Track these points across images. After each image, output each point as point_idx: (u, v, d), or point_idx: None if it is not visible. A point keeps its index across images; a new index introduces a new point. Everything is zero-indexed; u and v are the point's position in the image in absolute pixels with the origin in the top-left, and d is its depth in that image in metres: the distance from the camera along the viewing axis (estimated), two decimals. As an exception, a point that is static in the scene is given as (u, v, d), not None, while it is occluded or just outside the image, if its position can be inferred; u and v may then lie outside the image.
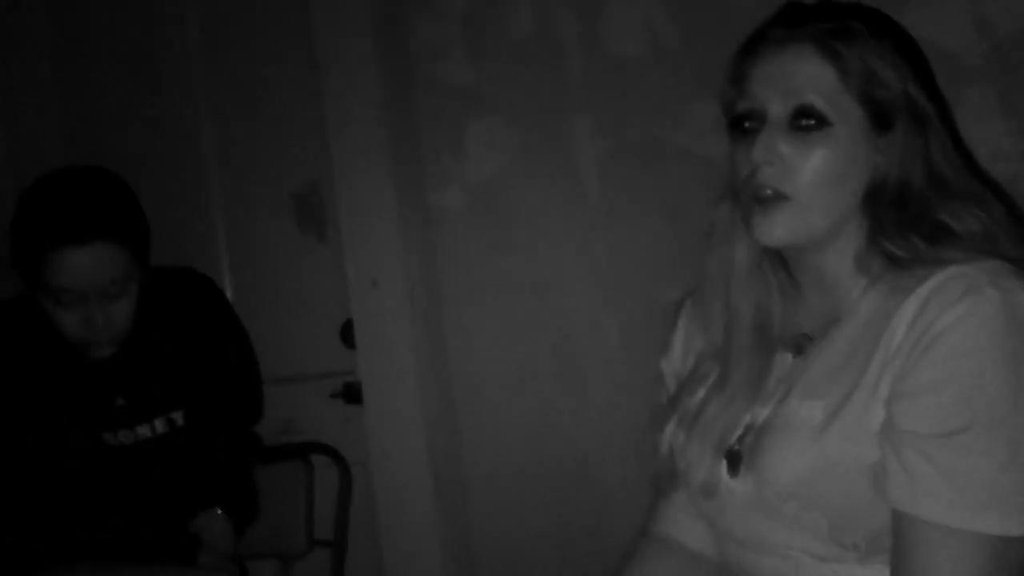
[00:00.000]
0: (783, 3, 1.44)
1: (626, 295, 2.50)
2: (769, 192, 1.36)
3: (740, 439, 1.42)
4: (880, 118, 1.36)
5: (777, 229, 1.37)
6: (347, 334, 2.85)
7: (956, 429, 1.22)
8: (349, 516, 2.63)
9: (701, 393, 1.51)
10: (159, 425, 2.30)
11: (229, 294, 3.04)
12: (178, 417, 2.32)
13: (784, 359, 1.44)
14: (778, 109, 1.37)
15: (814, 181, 1.35)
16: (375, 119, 2.71)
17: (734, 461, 1.41)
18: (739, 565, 1.47)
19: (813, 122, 1.35)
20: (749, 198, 1.39)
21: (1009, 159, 1.95)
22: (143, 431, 2.29)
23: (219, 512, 2.31)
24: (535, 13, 2.56)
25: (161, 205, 3.05)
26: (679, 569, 1.59)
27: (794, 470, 1.34)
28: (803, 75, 1.36)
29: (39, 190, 2.17)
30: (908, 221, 1.35)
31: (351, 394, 2.88)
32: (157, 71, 3.18)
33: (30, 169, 2.31)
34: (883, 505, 1.28)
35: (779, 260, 1.48)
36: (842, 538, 1.33)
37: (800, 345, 1.44)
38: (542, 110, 2.56)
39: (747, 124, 1.40)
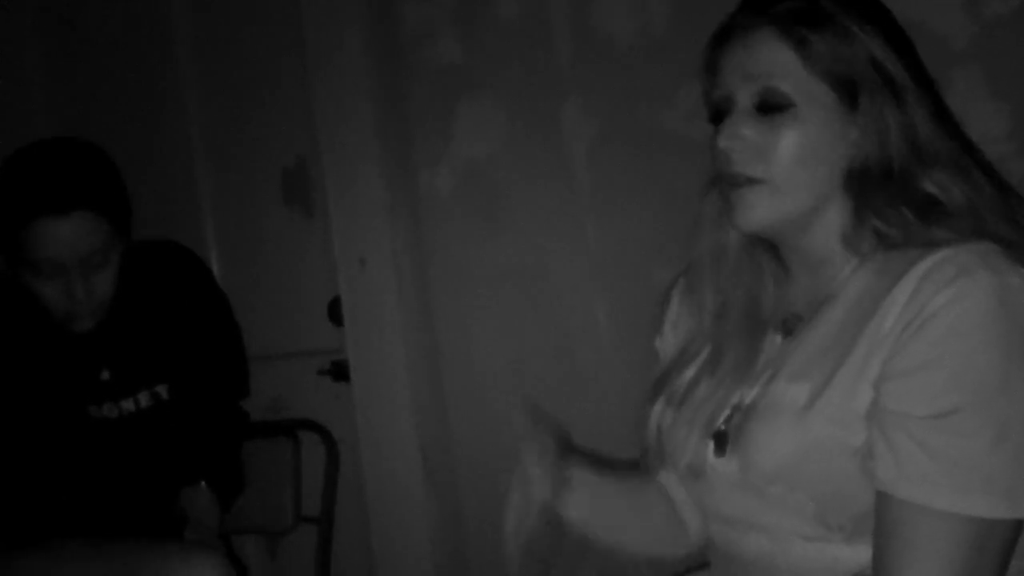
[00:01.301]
0: None
1: (616, 277, 2.50)
2: (743, 178, 1.37)
3: (727, 420, 1.43)
4: (849, 95, 1.35)
5: (754, 214, 1.38)
6: (335, 311, 2.84)
7: (945, 411, 1.23)
8: (336, 493, 2.64)
9: (690, 373, 1.52)
10: (144, 399, 2.30)
11: (216, 270, 3.03)
12: (163, 391, 2.32)
13: (774, 340, 1.45)
14: (744, 95, 1.38)
15: (785, 163, 1.35)
16: (364, 97, 2.71)
17: (721, 442, 1.42)
18: (725, 544, 1.48)
19: (778, 105, 1.35)
20: (727, 186, 1.40)
21: (997, 141, 1.96)
22: (128, 405, 2.29)
23: (204, 486, 2.32)
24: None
25: (148, 180, 3.05)
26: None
27: (780, 452, 1.34)
28: (765, 59, 1.36)
29: (18, 161, 2.14)
30: (892, 196, 1.35)
31: (339, 372, 2.88)
32: (145, 47, 3.16)
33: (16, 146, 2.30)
34: (869, 486, 1.28)
35: (768, 243, 1.49)
36: (828, 519, 1.33)
37: (789, 326, 1.44)
38: (532, 92, 2.55)
39: (721, 112, 1.41)
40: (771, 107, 1.35)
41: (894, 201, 1.35)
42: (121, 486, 2.29)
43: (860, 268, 1.38)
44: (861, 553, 1.32)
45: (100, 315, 2.21)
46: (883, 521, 1.27)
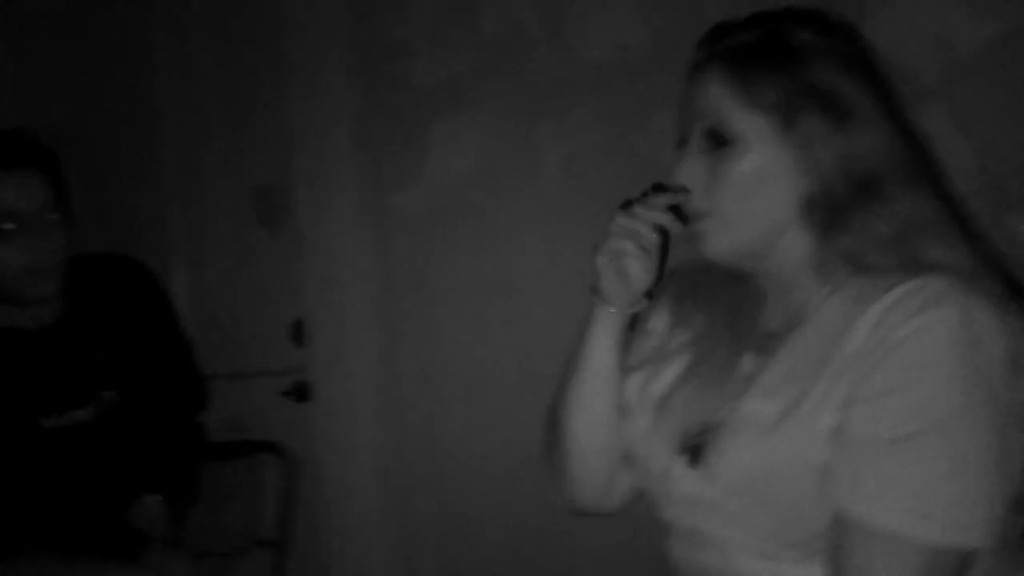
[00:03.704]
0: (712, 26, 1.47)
1: (586, 299, 2.50)
2: (695, 211, 1.41)
3: (699, 434, 1.44)
4: (794, 124, 1.36)
5: (711, 245, 1.42)
6: (297, 332, 2.83)
7: (903, 436, 1.23)
8: (294, 515, 2.62)
9: (667, 380, 1.52)
10: (95, 407, 2.30)
11: (183, 286, 3.03)
12: (112, 396, 2.32)
13: (749, 358, 1.46)
14: (694, 132, 1.42)
15: (731, 195, 1.38)
16: (340, 118, 2.72)
17: (694, 455, 1.43)
18: (678, 558, 1.49)
19: (723, 141, 1.38)
20: (692, 219, 1.43)
21: (965, 177, 1.97)
22: (81, 414, 2.29)
23: (156, 498, 2.31)
24: (503, 15, 2.56)
25: (119, 194, 3.06)
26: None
27: (743, 467, 1.35)
28: (709, 97, 1.40)
29: None
30: (853, 220, 1.36)
31: (302, 392, 2.87)
32: (122, 62, 3.16)
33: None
34: (826, 507, 1.29)
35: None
36: (783, 537, 1.34)
37: (764, 345, 1.45)
38: (507, 113, 2.56)
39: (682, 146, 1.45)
40: (718, 143, 1.39)
41: (857, 227, 1.36)
42: (74, 498, 2.27)
43: (833, 293, 1.39)
44: (811, 572, 1.32)
45: (58, 281, 2.22)
46: (837, 540, 1.27)
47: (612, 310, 1.53)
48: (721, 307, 1.52)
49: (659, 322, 1.61)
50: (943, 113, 2.02)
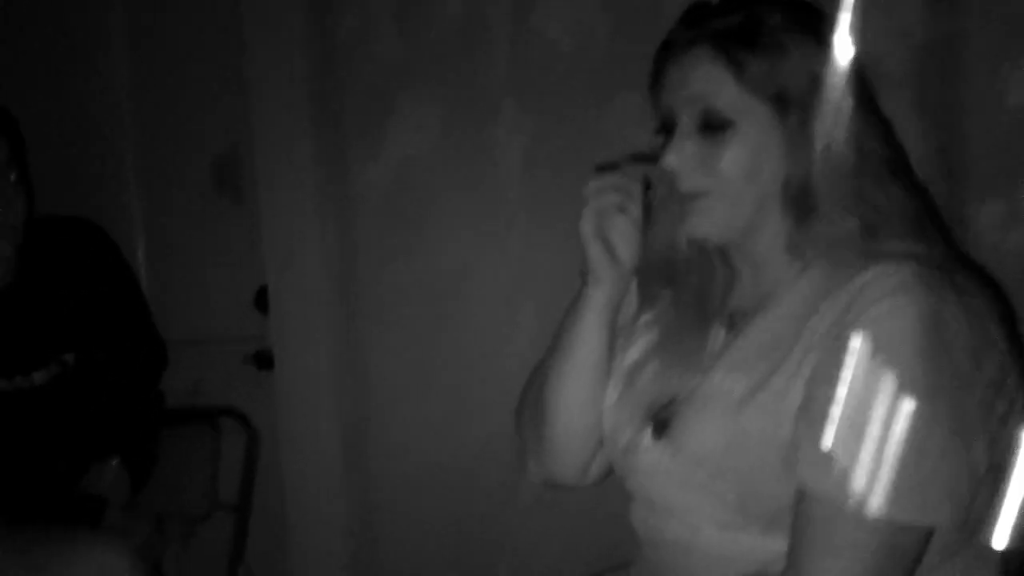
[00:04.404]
0: (689, 2, 1.49)
1: (545, 281, 2.51)
2: (690, 193, 1.43)
3: (666, 406, 1.47)
4: (784, 108, 1.40)
5: (702, 226, 1.45)
6: (261, 300, 2.84)
7: (868, 418, 1.26)
8: (254, 481, 2.64)
9: (635, 354, 1.55)
10: (52, 370, 2.29)
11: (143, 253, 3.02)
12: (70, 359, 2.32)
13: (718, 334, 1.50)
14: (685, 115, 1.43)
15: (729, 178, 1.41)
16: (299, 87, 2.69)
17: (659, 427, 1.46)
18: (645, 530, 1.53)
19: (718, 124, 1.41)
20: (678, 198, 1.45)
21: (923, 162, 2.01)
22: (38, 376, 2.29)
23: (114, 463, 2.31)
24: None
25: (76, 161, 3.03)
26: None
27: (710, 440, 1.39)
28: (702, 79, 1.42)
29: None
30: (830, 206, 1.39)
31: (263, 360, 2.87)
32: (78, 29, 3.11)
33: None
34: (790, 482, 1.32)
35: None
36: (747, 509, 1.38)
37: (734, 321, 1.48)
38: (469, 90, 2.55)
39: (667, 126, 1.46)
40: (712, 126, 1.41)
41: (830, 213, 1.39)
42: (31, 462, 2.27)
43: (804, 273, 1.43)
44: (773, 544, 1.36)
45: (16, 241, 2.22)
46: (799, 517, 1.31)
47: (601, 290, 1.53)
48: (689, 283, 1.55)
49: (628, 297, 1.63)
50: (904, 99, 2.06)
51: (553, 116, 2.47)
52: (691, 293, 1.54)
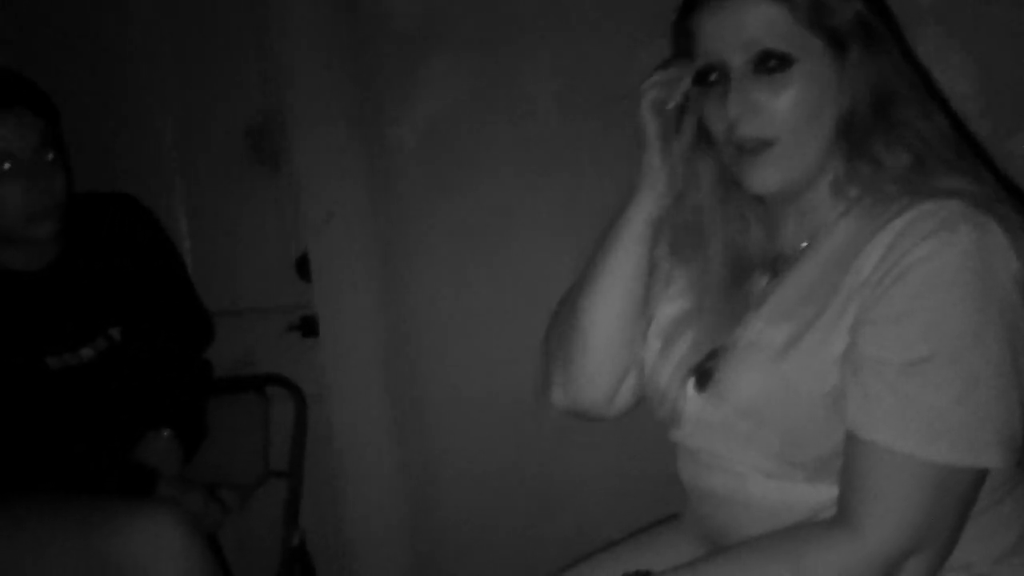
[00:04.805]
0: None
1: (579, 236, 2.50)
2: (755, 142, 1.38)
3: (709, 357, 1.46)
4: (838, 45, 1.37)
5: (769, 177, 1.39)
6: (303, 267, 2.84)
7: (917, 359, 1.25)
8: (305, 447, 2.65)
9: (675, 309, 1.55)
10: (100, 345, 2.32)
11: (184, 227, 3.03)
12: (116, 333, 2.34)
13: (760, 282, 1.48)
14: (739, 60, 1.37)
15: (793, 120, 1.36)
16: (327, 52, 2.69)
17: (702, 378, 1.45)
18: (692, 482, 1.52)
19: (777, 64, 1.35)
20: (734, 151, 1.40)
21: (965, 98, 1.98)
22: (87, 352, 2.31)
23: (166, 433, 2.34)
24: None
25: (114, 138, 3.04)
26: None
27: (752, 390, 1.38)
28: (755, 21, 1.36)
29: None
30: (877, 144, 1.37)
31: (308, 327, 2.88)
32: (108, 6, 3.12)
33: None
34: (835, 429, 1.32)
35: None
36: (792, 458, 1.37)
37: (774, 267, 1.47)
38: (498, 47, 2.54)
39: (711, 77, 1.41)
40: (771, 68, 1.36)
41: (880, 149, 1.37)
42: (84, 435, 2.29)
43: (846, 215, 1.40)
44: (821, 493, 1.35)
45: (59, 220, 2.23)
46: (850, 463, 1.30)
47: (650, 191, 1.51)
48: (725, 239, 1.51)
49: (663, 248, 1.61)
50: (941, 35, 2.02)
51: (579, 69, 2.45)
52: (729, 245, 1.51)
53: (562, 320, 1.63)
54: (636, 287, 1.55)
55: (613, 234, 1.56)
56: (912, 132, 1.37)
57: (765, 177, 1.39)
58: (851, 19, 1.36)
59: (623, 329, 1.56)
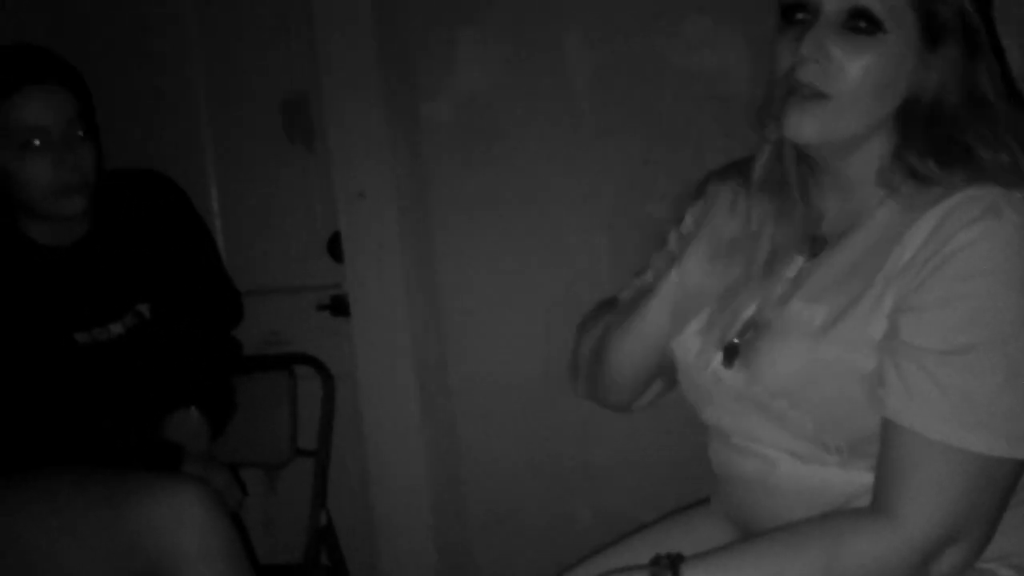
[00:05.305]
0: None
1: (616, 211, 2.49)
2: (810, 90, 1.34)
3: (740, 333, 1.44)
4: (933, 33, 1.33)
5: (808, 126, 1.35)
6: (335, 246, 2.83)
7: (959, 348, 1.23)
8: (333, 427, 2.64)
9: (708, 283, 1.51)
10: (129, 321, 2.32)
11: (217, 204, 3.03)
12: (145, 310, 2.34)
13: (796, 261, 1.45)
14: (833, 6, 1.33)
15: (856, 85, 1.33)
16: (364, 28, 2.68)
17: (730, 354, 1.43)
18: (722, 465, 1.50)
19: (867, 25, 1.31)
20: (784, 91, 1.36)
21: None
22: (116, 328, 2.31)
23: (193, 411, 2.34)
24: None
25: (148, 114, 3.04)
26: None
27: (787, 370, 1.35)
28: None
29: None
30: (935, 139, 1.33)
31: (338, 307, 2.87)
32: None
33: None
34: (870, 413, 1.29)
35: (805, 163, 1.47)
36: (825, 440, 1.34)
37: (815, 249, 1.44)
38: (534, 22, 2.53)
39: (799, 15, 1.36)
40: (860, 28, 1.32)
41: (936, 146, 1.33)
42: (112, 412, 2.29)
43: (888, 199, 1.37)
44: (854, 478, 1.33)
45: (89, 196, 2.23)
46: (887, 448, 1.28)
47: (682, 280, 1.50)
48: (766, 212, 1.48)
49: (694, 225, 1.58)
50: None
51: (619, 42, 2.42)
52: (769, 218, 1.47)
53: (591, 337, 1.65)
54: (662, 335, 1.54)
55: (644, 303, 1.54)
56: (967, 133, 1.33)
57: (804, 125, 1.35)
58: (955, 13, 1.32)
59: (649, 364, 1.58)
